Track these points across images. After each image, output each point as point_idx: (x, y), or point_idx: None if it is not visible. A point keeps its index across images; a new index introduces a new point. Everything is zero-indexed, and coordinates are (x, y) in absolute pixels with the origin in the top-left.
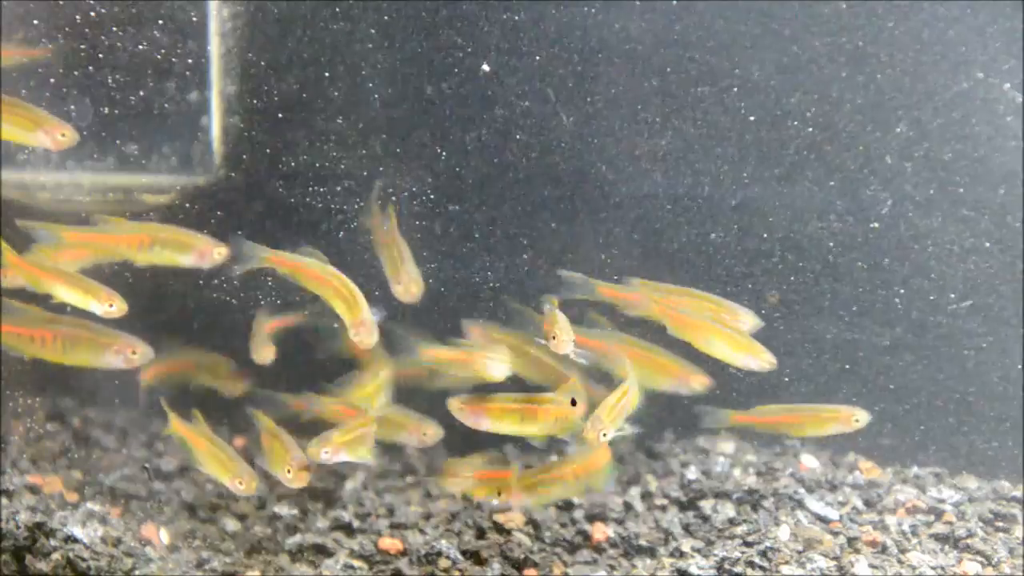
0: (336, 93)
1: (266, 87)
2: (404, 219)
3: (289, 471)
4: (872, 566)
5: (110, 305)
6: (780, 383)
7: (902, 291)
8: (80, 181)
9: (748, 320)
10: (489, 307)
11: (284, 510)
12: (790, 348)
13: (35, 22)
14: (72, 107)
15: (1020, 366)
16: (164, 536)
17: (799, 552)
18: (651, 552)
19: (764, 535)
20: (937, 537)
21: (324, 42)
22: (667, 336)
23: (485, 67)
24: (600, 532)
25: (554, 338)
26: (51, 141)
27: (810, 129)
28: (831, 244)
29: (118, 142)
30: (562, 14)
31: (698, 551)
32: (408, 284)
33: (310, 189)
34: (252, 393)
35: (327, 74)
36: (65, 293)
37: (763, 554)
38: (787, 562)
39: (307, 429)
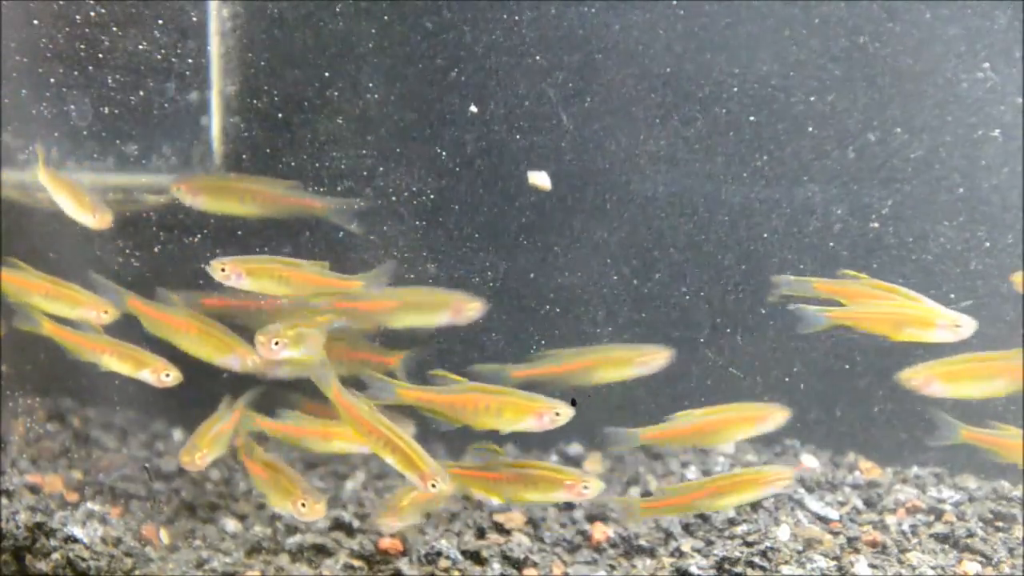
0: (336, 93)
1: (266, 87)
2: (404, 219)
3: (304, 504)
4: (872, 566)
5: (166, 375)
6: (780, 384)
7: None
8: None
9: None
10: (489, 308)
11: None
12: (790, 348)
13: (35, 22)
14: (72, 107)
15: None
16: (164, 536)
17: (799, 552)
18: (651, 552)
19: (764, 535)
20: (937, 537)
21: (324, 42)
22: None
23: (473, 108)
24: (600, 532)
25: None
26: (242, 363)
27: (810, 129)
28: (831, 244)
29: (118, 142)
30: (563, 14)
31: (698, 551)
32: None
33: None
34: None
35: (327, 74)
36: (117, 365)
37: (763, 554)
38: (787, 562)
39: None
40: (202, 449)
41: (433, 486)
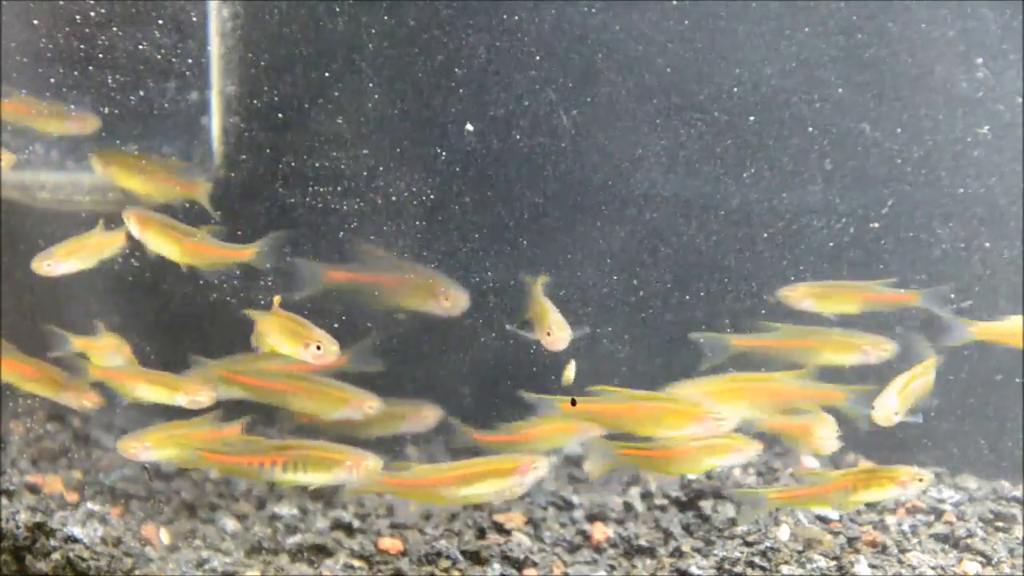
0: (336, 93)
1: (266, 87)
2: (404, 220)
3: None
4: (872, 566)
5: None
6: None
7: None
8: (80, 181)
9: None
10: (489, 307)
11: (284, 510)
12: None
13: (35, 22)
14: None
15: (1020, 366)
16: (164, 536)
17: (799, 552)
18: (651, 552)
19: (764, 535)
20: (937, 537)
21: (324, 42)
22: None
23: (469, 127)
24: (600, 532)
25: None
26: (361, 411)
27: (810, 129)
28: (831, 244)
29: (118, 142)
30: (563, 14)
31: (698, 551)
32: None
33: (310, 189)
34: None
35: (327, 74)
36: (146, 391)
37: (763, 554)
38: (787, 562)
39: None
40: (146, 442)
41: (536, 468)
